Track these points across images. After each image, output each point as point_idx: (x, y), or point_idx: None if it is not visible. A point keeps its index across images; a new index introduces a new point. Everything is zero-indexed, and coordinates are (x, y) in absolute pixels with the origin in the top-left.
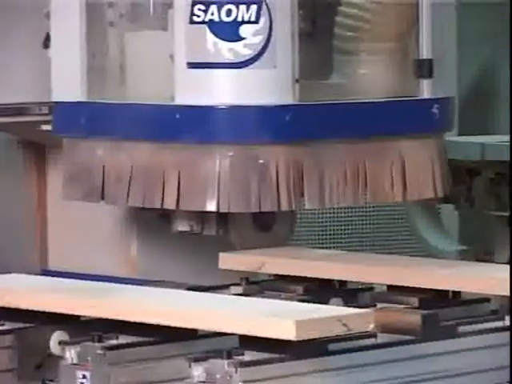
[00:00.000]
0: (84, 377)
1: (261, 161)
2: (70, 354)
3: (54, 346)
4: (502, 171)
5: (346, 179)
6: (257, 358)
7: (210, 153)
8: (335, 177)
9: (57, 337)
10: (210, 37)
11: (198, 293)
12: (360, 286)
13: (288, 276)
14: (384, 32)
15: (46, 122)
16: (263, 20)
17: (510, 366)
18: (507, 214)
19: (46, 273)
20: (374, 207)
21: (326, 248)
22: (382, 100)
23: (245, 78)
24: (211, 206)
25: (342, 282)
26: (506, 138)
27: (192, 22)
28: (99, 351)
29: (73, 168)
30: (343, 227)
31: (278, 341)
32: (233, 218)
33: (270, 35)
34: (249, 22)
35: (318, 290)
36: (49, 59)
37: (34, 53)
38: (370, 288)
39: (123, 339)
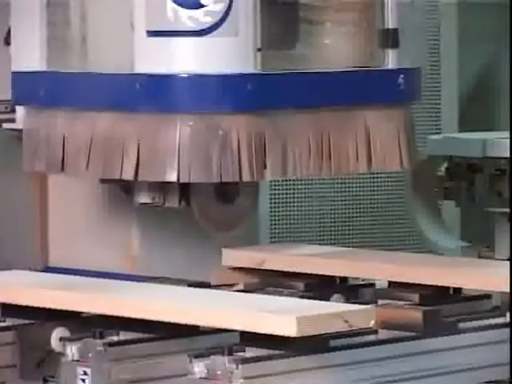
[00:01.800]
0: (85, 373)
1: (222, 130)
2: (71, 351)
3: (54, 343)
4: (503, 167)
5: (309, 150)
6: (258, 354)
7: (171, 122)
8: (298, 147)
9: (58, 333)
10: (170, 4)
11: (198, 289)
12: (361, 283)
13: (289, 272)
14: (349, 1)
15: (9, 121)
16: None
17: (511, 363)
18: (508, 210)
19: (48, 269)
20: (372, 203)
21: (327, 244)
22: (346, 70)
23: (206, 46)
24: (171, 176)
25: (343, 279)
26: (507, 134)
27: None
28: (100, 347)
29: (33, 139)
30: (343, 223)
31: (280, 337)
32: (195, 190)
33: (231, 2)
34: None
35: (319, 287)
36: (10, 57)
37: None
38: (371, 284)
39: (124, 335)
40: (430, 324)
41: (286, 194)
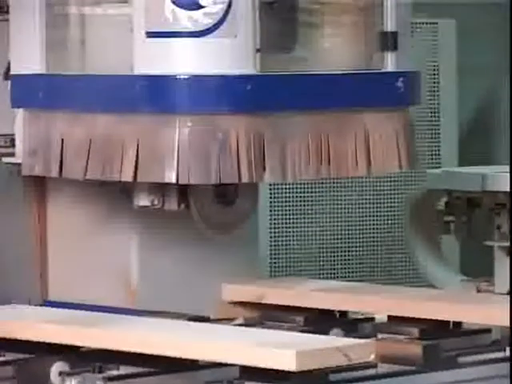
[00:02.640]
0: None
1: (221, 132)
2: None
3: (54, 377)
4: (502, 202)
5: (308, 152)
6: None
7: (169, 123)
8: (297, 149)
9: (57, 368)
10: (169, 5)
11: (198, 323)
12: (361, 317)
13: (289, 307)
14: (348, 4)
15: (8, 155)
16: None
17: None
18: (507, 244)
19: (48, 304)
20: (373, 238)
21: (326, 278)
22: (346, 72)
23: (204, 47)
24: (170, 178)
25: (343, 313)
26: (506, 168)
27: None
28: (99, 382)
29: (32, 141)
30: (343, 256)
31: (279, 371)
32: (194, 192)
33: (230, 4)
34: None
35: (319, 321)
36: (8, 92)
37: None
38: (370, 318)
39: (124, 370)
40: (429, 358)
41: (286, 226)
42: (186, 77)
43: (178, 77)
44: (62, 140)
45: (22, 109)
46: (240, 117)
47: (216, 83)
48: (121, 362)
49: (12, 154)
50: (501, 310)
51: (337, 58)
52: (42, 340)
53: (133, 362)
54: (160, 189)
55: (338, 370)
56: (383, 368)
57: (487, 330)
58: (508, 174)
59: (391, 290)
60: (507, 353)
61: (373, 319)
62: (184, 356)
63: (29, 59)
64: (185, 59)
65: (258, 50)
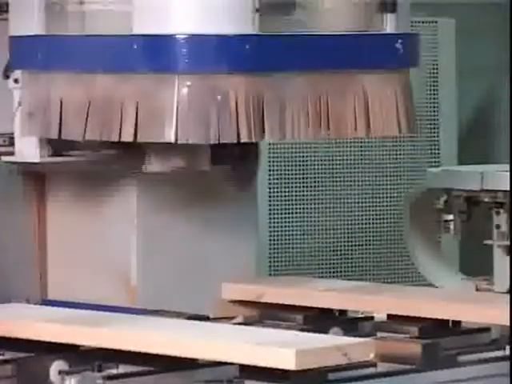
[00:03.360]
0: None
1: (220, 91)
2: None
3: (53, 376)
4: (501, 200)
5: (307, 112)
6: None
7: (168, 83)
8: (296, 109)
9: (57, 366)
10: None
11: (197, 322)
12: (360, 316)
13: (288, 305)
14: None
15: (8, 154)
16: None
17: None
18: (507, 243)
19: (47, 302)
20: (373, 236)
21: (326, 277)
22: (345, 33)
23: (204, 5)
24: (169, 137)
25: (342, 312)
26: (506, 166)
27: None
28: (99, 381)
29: (31, 103)
30: (342, 256)
31: (278, 370)
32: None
33: None
34: None
35: (318, 320)
36: (9, 91)
37: None
38: (370, 317)
39: (123, 369)
40: (429, 357)
41: (285, 225)
42: (184, 36)
43: (176, 36)
44: (61, 101)
45: (21, 70)
46: (239, 77)
47: (214, 43)
48: (120, 360)
49: (11, 153)
50: (500, 308)
51: (336, 19)
52: (41, 339)
53: (132, 361)
54: (179, 152)
55: (338, 368)
56: (383, 367)
57: (487, 329)
58: (507, 173)
59: (391, 289)
60: (507, 351)
61: (372, 318)
62: (183, 355)
63: (27, 20)
64: (184, 18)
65: (257, 10)
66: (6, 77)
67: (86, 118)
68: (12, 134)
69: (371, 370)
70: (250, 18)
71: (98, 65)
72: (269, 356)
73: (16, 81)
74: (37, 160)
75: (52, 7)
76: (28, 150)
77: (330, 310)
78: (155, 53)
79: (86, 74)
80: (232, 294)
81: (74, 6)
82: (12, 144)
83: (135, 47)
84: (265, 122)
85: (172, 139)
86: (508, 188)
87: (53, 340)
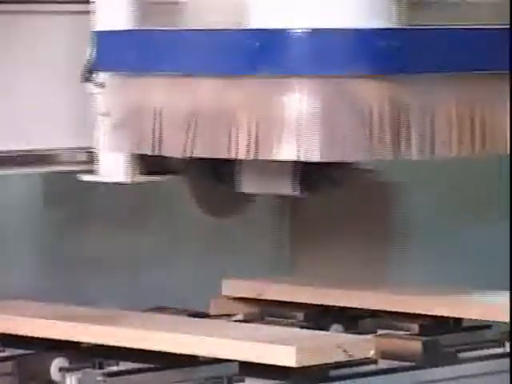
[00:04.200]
0: None
1: (354, 98)
2: (71, 381)
3: (54, 373)
4: None
5: (459, 123)
6: None
7: (292, 89)
8: (446, 121)
9: (57, 363)
10: None
11: (198, 319)
12: (360, 313)
13: (288, 302)
14: None
15: (87, 172)
16: None
17: None
18: None
19: None
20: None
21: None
22: (505, 27)
23: None
24: (292, 154)
25: (342, 309)
26: None
27: None
28: (100, 378)
29: (119, 112)
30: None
31: (279, 367)
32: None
33: None
34: None
35: (319, 317)
36: (87, 95)
37: (68, 87)
38: (370, 314)
39: (124, 366)
40: (429, 354)
41: None
42: (311, 31)
43: (301, 31)
44: (157, 110)
45: (109, 73)
46: (378, 80)
47: (348, 39)
48: (121, 358)
49: (91, 171)
50: (501, 305)
51: (491, 10)
52: (42, 336)
53: (133, 358)
54: (273, 172)
55: (338, 365)
56: (383, 364)
57: (487, 326)
58: None
59: (391, 286)
60: (507, 348)
61: (373, 315)
62: (184, 352)
63: (117, 11)
64: (311, 10)
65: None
66: (86, 80)
67: (190, 131)
68: (92, 148)
69: (372, 367)
70: (392, 9)
71: (205, 66)
72: (269, 353)
73: (99, 84)
74: (125, 180)
75: None
76: (114, 167)
77: (330, 307)
78: (276, 52)
79: (190, 77)
80: (232, 291)
81: None
82: (92, 160)
83: (254, 45)
84: (411, 138)
85: (295, 157)
86: None
87: (53, 337)
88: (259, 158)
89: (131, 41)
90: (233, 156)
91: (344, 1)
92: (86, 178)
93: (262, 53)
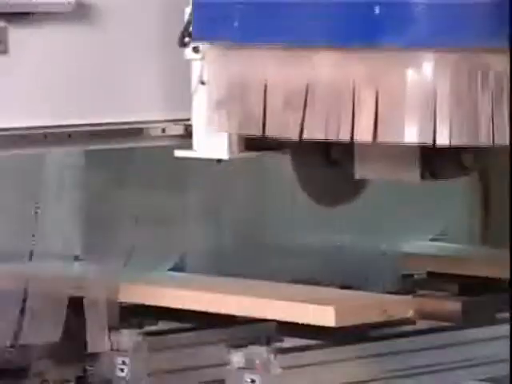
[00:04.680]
0: (123, 363)
1: (496, 75)
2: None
3: None
4: None
5: None
6: (296, 344)
7: (422, 63)
8: None
9: None
10: None
11: (236, 279)
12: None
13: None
14: None
15: (180, 147)
16: None
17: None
18: None
19: None
20: None
21: None
22: None
23: None
24: (424, 137)
25: None
26: None
27: None
28: (138, 338)
29: (223, 87)
30: None
31: (318, 327)
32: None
33: None
34: None
35: None
36: (181, 63)
37: (158, 54)
38: (410, 275)
39: (163, 325)
40: (468, 314)
41: None
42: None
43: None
44: (266, 85)
45: (209, 45)
46: None
47: (488, 7)
48: (159, 317)
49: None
50: None
51: None
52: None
53: (171, 318)
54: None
55: (377, 325)
56: (422, 324)
57: None
58: None
59: (430, 247)
60: None
61: (412, 275)
62: (222, 311)
63: None
64: None
65: None
66: (183, 44)
67: (304, 110)
68: (189, 120)
69: (410, 327)
70: None
71: (319, 36)
72: (308, 313)
73: (196, 50)
74: (225, 157)
75: None
76: (213, 144)
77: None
78: (403, 21)
79: (303, 49)
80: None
81: None
82: (190, 135)
83: (375, 12)
84: None
85: (427, 139)
86: None
87: None
88: (387, 141)
89: (234, 8)
90: (356, 139)
91: None
92: (181, 153)
93: (389, 21)
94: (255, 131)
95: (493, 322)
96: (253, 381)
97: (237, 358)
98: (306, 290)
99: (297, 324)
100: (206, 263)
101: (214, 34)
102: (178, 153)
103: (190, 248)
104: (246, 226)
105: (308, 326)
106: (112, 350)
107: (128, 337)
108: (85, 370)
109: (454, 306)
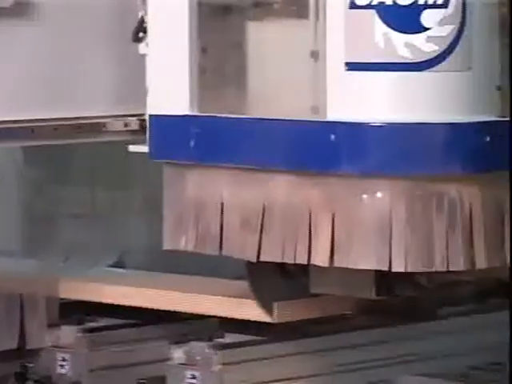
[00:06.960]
0: (64, 359)
1: (449, 200)
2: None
3: None
4: None
5: None
6: (237, 340)
7: (378, 189)
8: None
9: None
10: (381, 27)
11: (176, 275)
12: None
13: None
14: None
15: (134, 142)
16: (453, 3)
17: (510, 347)
18: None
19: None
20: None
21: None
22: None
23: (427, 84)
24: (380, 264)
25: None
26: None
27: (353, 5)
28: (79, 334)
29: (179, 206)
30: None
31: (259, 323)
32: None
33: (462, 25)
34: (434, 6)
35: None
36: (135, 57)
37: (112, 50)
38: None
39: (103, 322)
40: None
41: None
42: (400, 126)
43: (389, 126)
44: (223, 205)
45: (165, 163)
46: (476, 180)
47: (442, 134)
48: (100, 314)
49: (141, 142)
50: None
51: None
52: None
53: (112, 314)
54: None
55: (317, 321)
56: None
57: None
58: None
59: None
60: None
61: None
62: (164, 308)
63: (174, 95)
64: (399, 102)
65: (498, 88)
66: (138, 39)
67: (260, 232)
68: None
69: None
70: (491, 100)
71: (277, 160)
72: (249, 309)
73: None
74: None
75: (207, 77)
76: None
77: None
78: (359, 148)
79: (259, 171)
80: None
81: (234, 76)
82: (144, 129)
83: (331, 138)
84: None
85: (384, 266)
86: None
87: None
88: (343, 266)
89: (191, 127)
90: (312, 262)
91: (438, 91)
92: (135, 148)
93: (346, 148)
94: (212, 250)
95: None
96: (193, 377)
97: (178, 354)
98: (246, 286)
99: (238, 320)
100: (146, 260)
101: (170, 152)
102: (133, 148)
103: (130, 245)
104: None
105: (249, 321)
106: (53, 346)
107: (68, 333)
108: (25, 367)
109: None
